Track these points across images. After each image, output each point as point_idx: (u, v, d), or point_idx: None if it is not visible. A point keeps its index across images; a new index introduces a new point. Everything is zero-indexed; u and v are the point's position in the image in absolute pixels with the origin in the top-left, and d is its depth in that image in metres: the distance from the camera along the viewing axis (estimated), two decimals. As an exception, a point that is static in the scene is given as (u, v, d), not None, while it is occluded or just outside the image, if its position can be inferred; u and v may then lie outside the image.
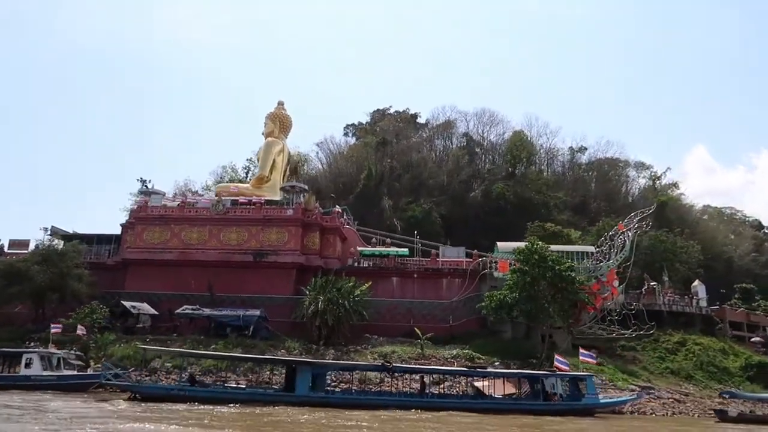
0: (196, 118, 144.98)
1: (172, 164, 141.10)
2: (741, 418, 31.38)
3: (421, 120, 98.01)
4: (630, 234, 47.92)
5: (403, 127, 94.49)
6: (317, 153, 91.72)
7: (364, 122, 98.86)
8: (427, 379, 32.34)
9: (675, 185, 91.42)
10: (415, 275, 48.14)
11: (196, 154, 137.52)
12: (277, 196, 51.99)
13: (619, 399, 33.10)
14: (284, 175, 55.74)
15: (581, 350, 34.23)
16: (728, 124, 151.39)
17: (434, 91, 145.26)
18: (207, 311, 42.37)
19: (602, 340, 48.22)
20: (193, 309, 42.56)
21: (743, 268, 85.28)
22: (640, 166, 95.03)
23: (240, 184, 57.61)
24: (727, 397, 34.34)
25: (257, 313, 42.07)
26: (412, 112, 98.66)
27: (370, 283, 44.41)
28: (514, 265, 43.27)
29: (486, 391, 33.23)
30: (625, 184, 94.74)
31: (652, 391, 38.70)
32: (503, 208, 75.12)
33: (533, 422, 26.16)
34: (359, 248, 50.85)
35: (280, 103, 58.08)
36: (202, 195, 62.60)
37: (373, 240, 53.99)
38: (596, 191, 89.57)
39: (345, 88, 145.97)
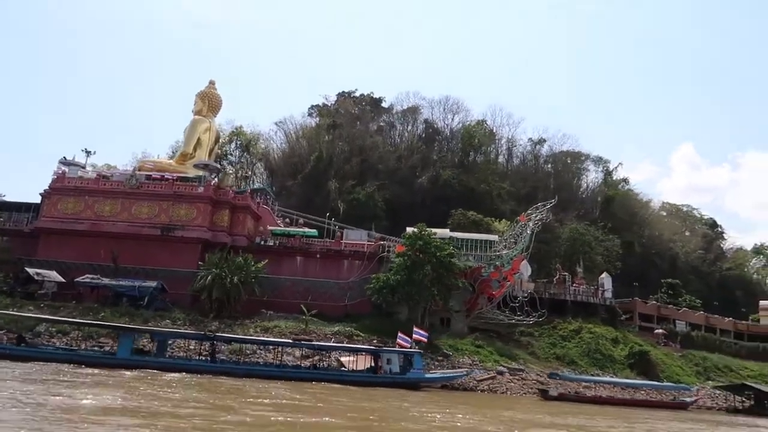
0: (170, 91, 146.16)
1: (153, 138, 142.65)
2: (560, 397, 33.42)
3: (385, 104, 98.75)
4: (531, 225, 49.18)
5: (366, 111, 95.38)
6: (276, 132, 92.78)
7: (329, 104, 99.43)
8: (222, 347, 34.58)
9: (625, 180, 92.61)
10: (318, 255, 49.66)
11: (168, 128, 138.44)
12: (200, 173, 53.34)
13: (444, 375, 34.68)
14: (210, 153, 56.99)
15: (415, 328, 35.81)
16: (717, 123, 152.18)
17: (402, 76, 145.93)
18: (105, 281, 44.03)
19: (503, 326, 49.96)
20: (92, 278, 44.27)
21: (689, 265, 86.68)
22: (598, 160, 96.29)
23: (163, 160, 58.83)
24: (556, 377, 36.29)
25: (153, 284, 43.67)
26: (377, 95, 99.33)
27: (266, 261, 46.03)
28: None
29: (348, 366, 35.23)
30: (580, 178, 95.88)
31: (520, 372, 40.48)
32: (449, 195, 76.34)
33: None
34: (270, 227, 52.37)
35: (211, 82, 58.97)
36: None
37: (287, 220, 55.51)
38: (555, 183, 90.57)
39: (320, 68, 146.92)
